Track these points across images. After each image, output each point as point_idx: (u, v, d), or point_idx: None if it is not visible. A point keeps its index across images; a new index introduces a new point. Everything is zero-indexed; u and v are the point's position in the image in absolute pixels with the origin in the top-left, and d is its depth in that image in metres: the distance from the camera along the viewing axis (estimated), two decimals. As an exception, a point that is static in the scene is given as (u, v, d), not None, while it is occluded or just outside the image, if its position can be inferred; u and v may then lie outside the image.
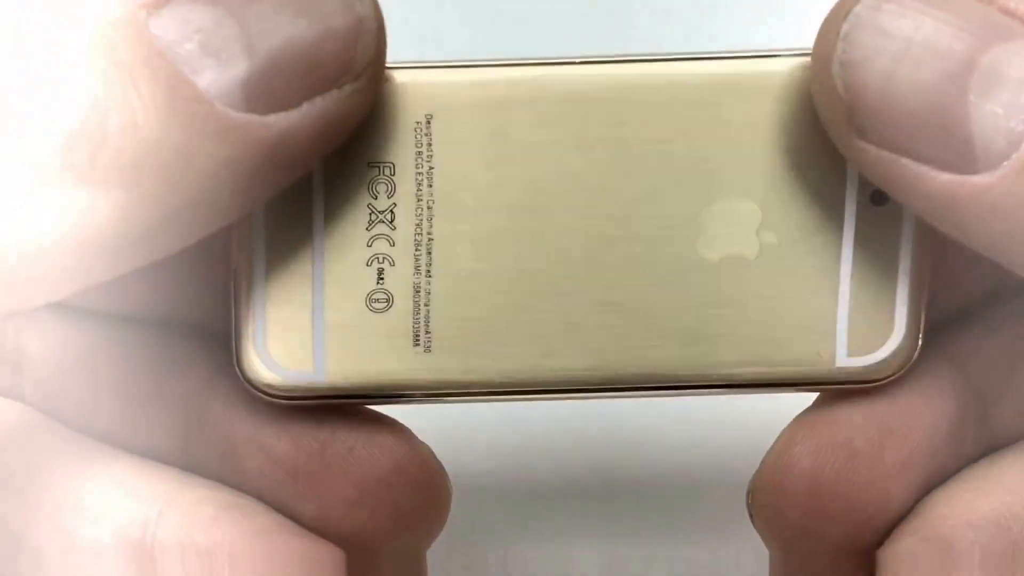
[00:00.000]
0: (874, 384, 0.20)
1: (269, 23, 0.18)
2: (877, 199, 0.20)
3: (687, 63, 0.19)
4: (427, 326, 0.20)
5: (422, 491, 0.21)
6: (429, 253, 0.20)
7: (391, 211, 0.20)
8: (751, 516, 0.22)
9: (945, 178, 0.18)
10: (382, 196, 0.20)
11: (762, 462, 0.21)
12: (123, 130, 0.17)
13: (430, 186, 0.19)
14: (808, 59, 0.19)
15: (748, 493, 0.22)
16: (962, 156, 0.17)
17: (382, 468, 0.21)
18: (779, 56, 0.20)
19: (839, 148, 0.19)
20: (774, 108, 0.19)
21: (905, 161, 0.18)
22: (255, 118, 0.18)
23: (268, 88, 0.18)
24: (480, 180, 0.19)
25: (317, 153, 0.19)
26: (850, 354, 0.20)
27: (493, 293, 0.19)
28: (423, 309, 0.20)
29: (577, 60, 0.19)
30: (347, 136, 0.19)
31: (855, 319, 0.20)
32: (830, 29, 0.18)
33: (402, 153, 0.20)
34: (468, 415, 0.30)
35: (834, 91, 0.18)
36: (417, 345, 0.20)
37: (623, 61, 0.19)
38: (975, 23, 0.18)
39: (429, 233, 0.20)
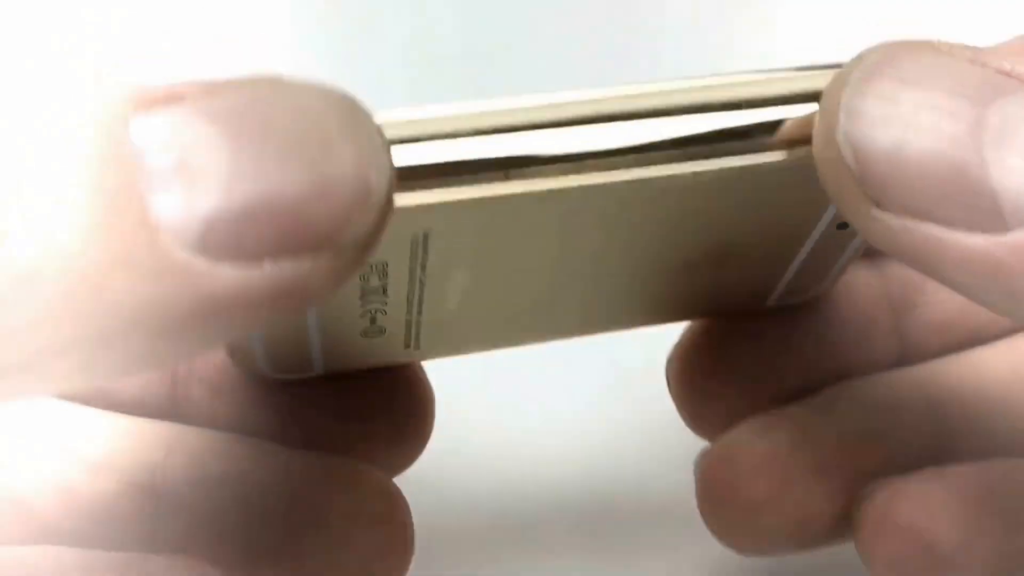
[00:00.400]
0: None
1: (266, 161, 0.15)
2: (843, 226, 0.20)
3: (681, 164, 0.18)
4: (417, 340, 0.21)
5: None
6: (420, 302, 0.20)
7: (383, 287, 0.19)
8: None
9: (978, 240, 0.17)
10: (372, 277, 0.19)
11: None
12: (34, 234, 0.14)
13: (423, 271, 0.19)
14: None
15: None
16: (990, 215, 0.17)
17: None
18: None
19: (855, 225, 0.18)
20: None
21: (930, 227, 0.17)
22: (202, 263, 0.15)
23: (232, 233, 0.15)
24: (470, 276, 0.19)
25: (262, 321, 0.16)
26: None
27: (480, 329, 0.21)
28: (413, 334, 0.21)
29: (579, 158, 0.18)
30: (305, 311, 0.17)
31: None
32: (832, 101, 0.18)
33: (397, 255, 0.19)
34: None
35: (842, 163, 0.17)
36: (408, 347, 0.21)
37: (614, 156, 0.18)
38: (976, 84, 0.17)
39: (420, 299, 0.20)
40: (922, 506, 0.23)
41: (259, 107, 0.16)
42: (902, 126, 0.17)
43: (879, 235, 0.18)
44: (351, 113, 0.16)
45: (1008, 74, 0.17)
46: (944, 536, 0.23)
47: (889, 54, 0.18)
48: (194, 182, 0.15)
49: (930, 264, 0.18)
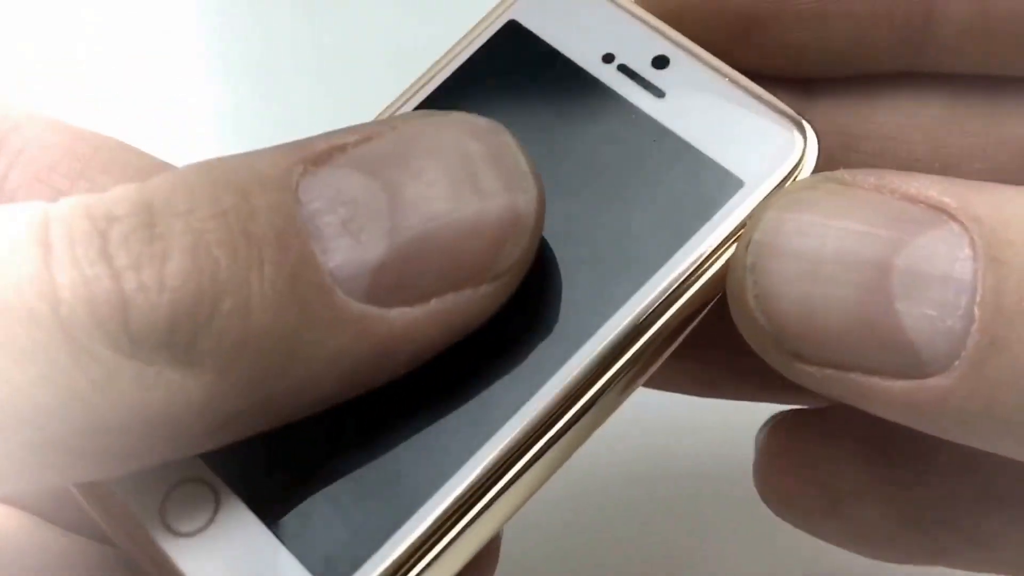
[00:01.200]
0: None
1: (421, 202, 0.16)
2: None
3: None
4: None
5: None
6: None
7: None
8: None
9: (900, 386, 0.17)
10: None
11: None
12: (233, 314, 0.15)
13: None
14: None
15: None
16: (909, 363, 0.17)
17: None
18: None
19: (783, 373, 0.18)
20: None
21: (853, 375, 0.17)
22: (374, 311, 0.16)
23: (399, 279, 0.16)
24: None
25: (435, 350, 0.17)
26: None
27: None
28: None
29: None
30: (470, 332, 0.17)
31: None
32: (737, 263, 0.18)
33: None
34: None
35: (756, 324, 0.17)
36: None
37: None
38: (879, 221, 0.17)
39: None
40: (820, 444, 0.23)
41: (409, 150, 0.17)
42: (808, 282, 0.17)
43: (806, 382, 0.18)
44: (495, 141, 0.17)
45: (915, 199, 0.17)
46: (840, 475, 0.22)
47: (788, 203, 0.17)
48: (360, 235, 0.16)
49: (861, 406, 0.18)
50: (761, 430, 0.24)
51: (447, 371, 0.18)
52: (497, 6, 0.21)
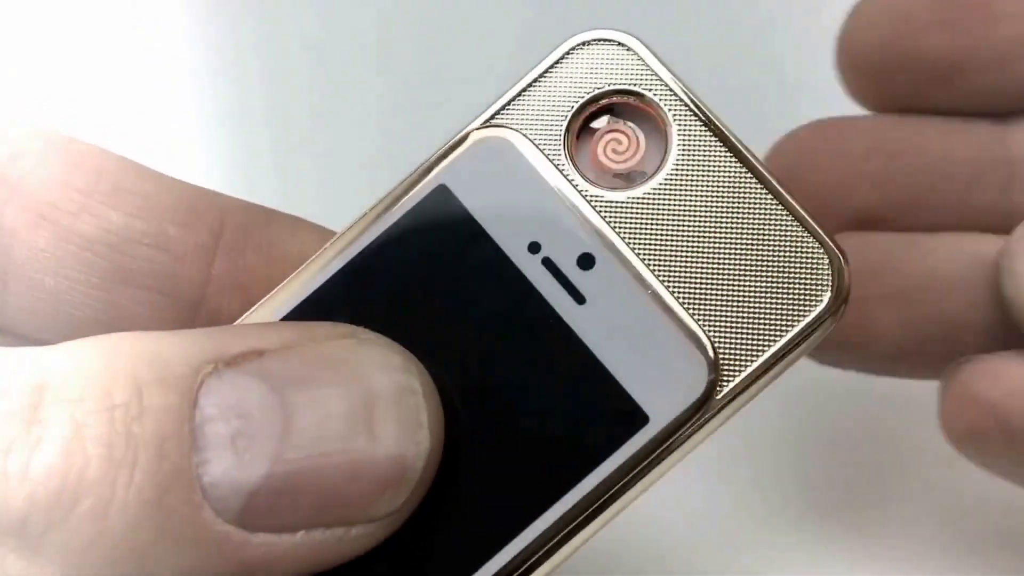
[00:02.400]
0: None
1: (312, 433, 0.16)
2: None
3: None
4: None
5: None
6: None
7: None
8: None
9: None
10: None
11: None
12: (90, 515, 0.15)
13: None
14: None
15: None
16: None
17: None
18: None
19: None
20: None
21: None
22: (238, 535, 0.16)
23: (271, 506, 0.16)
24: None
25: None
26: None
27: None
28: None
29: None
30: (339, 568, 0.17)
31: None
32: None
33: None
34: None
35: None
36: None
37: None
38: None
39: None
40: (999, 383, 0.23)
41: (318, 374, 0.17)
42: None
43: None
44: (403, 383, 0.17)
45: None
46: (1018, 412, 0.23)
47: None
48: (244, 453, 0.16)
49: None
50: (948, 369, 0.25)
51: None
52: (430, 166, 0.21)
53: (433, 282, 0.20)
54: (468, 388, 0.19)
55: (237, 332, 0.17)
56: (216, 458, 0.16)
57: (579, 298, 0.20)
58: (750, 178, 0.21)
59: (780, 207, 0.20)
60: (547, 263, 0.20)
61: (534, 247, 0.20)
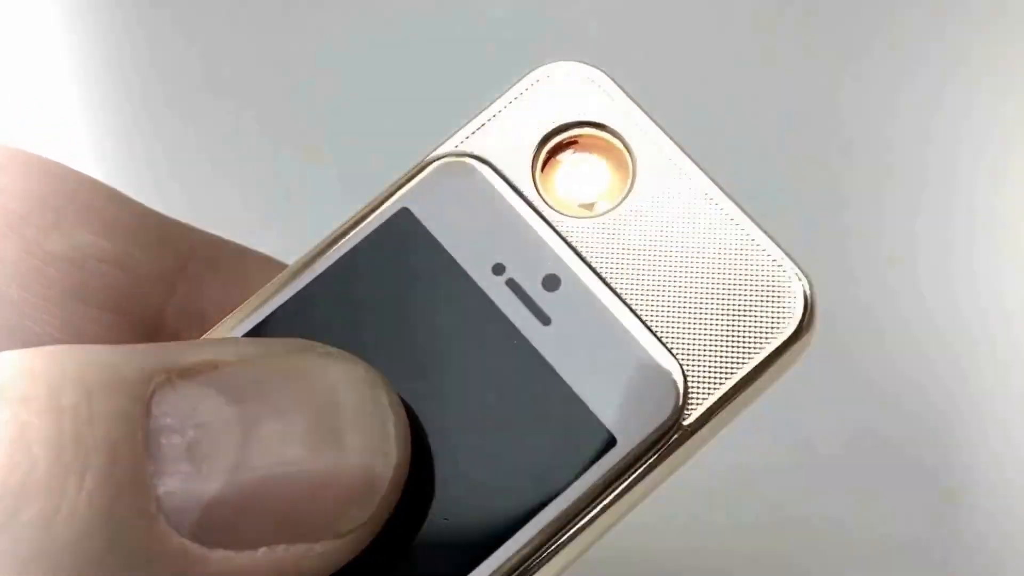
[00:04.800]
0: None
1: (273, 444, 0.15)
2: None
3: None
4: None
5: None
6: None
7: None
8: None
9: None
10: None
11: None
12: (36, 523, 0.14)
13: None
14: None
15: None
16: None
17: None
18: None
19: None
20: None
21: None
22: (195, 550, 0.15)
23: (230, 521, 0.15)
24: None
25: None
26: None
27: None
28: None
29: None
30: None
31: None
32: None
33: None
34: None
35: None
36: None
37: None
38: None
39: None
40: None
41: (279, 386, 0.16)
42: None
43: None
44: (369, 395, 0.17)
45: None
46: None
47: None
48: (201, 464, 0.15)
49: None
50: None
51: None
52: (392, 190, 0.21)
53: (395, 303, 0.20)
54: (432, 409, 0.19)
55: (191, 345, 0.16)
56: (171, 469, 0.15)
57: (544, 319, 0.20)
58: (716, 206, 0.21)
59: (745, 233, 0.20)
60: (511, 284, 0.20)
61: (498, 268, 0.20)
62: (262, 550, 0.15)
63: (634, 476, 0.19)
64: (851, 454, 0.34)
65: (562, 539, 0.19)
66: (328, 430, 0.16)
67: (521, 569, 0.18)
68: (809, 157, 0.38)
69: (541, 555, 0.18)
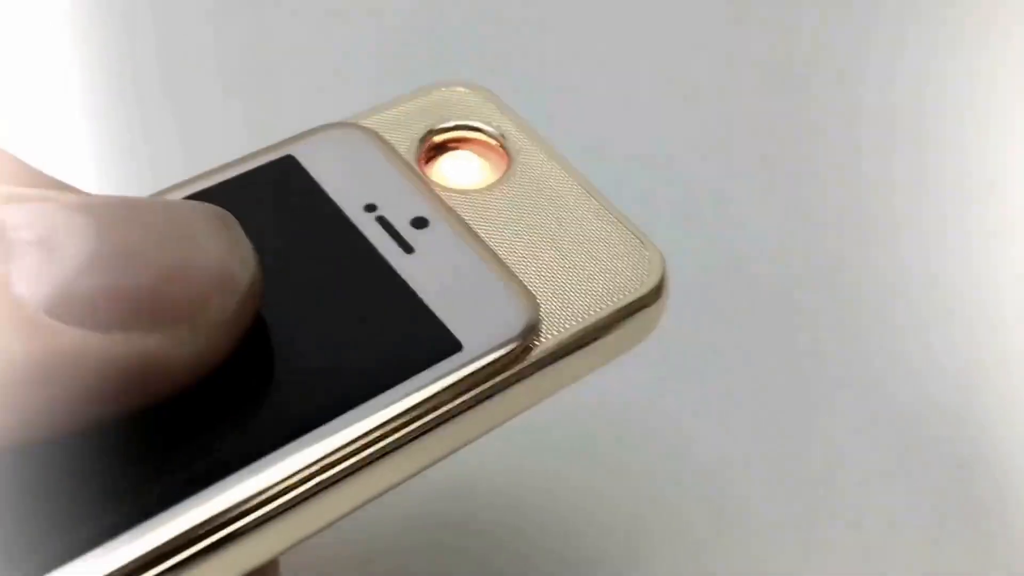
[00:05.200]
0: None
1: (131, 234, 0.16)
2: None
3: None
4: None
5: None
6: None
7: None
8: None
9: None
10: None
11: None
12: None
13: None
14: None
15: None
16: None
17: None
18: None
19: None
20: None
21: None
22: (49, 321, 0.15)
23: (84, 302, 0.15)
24: None
25: (125, 394, 0.16)
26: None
27: None
28: None
29: None
30: (173, 390, 0.17)
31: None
32: None
33: None
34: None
35: None
36: None
37: None
38: None
39: None
40: None
41: (133, 208, 0.16)
42: None
43: None
44: (221, 220, 0.17)
45: None
46: None
47: None
48: (51, 253, 0.15)
49: None
50: None
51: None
52: (280, 143, 0.22)
53: (268, 230, 0.21)
54: (290, 309, 0.20)
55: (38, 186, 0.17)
56: (21, 252, 0.15)
57: (408, 248, 0.21)
58: (586, 195, 0.23)
59: (606, 212, 0.23)
60: (381, 220, 0.21)
61: (370, 207, 0.22)
62: (119, 334, 0.15)
63: (480, 387, 0.20)
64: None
65: (407, 441, 0.19)
66: (187, 234, 0.16)
67: (368, 451, 0.19)
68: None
69: (387, 444, 0.19)
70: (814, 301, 0.36)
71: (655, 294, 0.22)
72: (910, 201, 0.39)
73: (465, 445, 0.20)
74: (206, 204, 0.18)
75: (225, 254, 0.17)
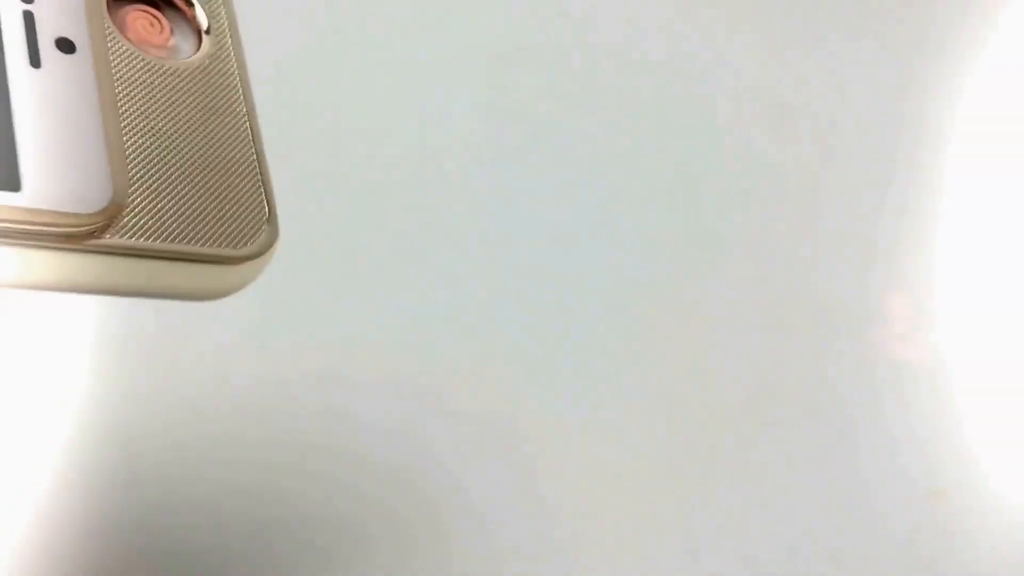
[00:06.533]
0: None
1: None
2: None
3: None
4: None
5: None
6: None
7: None
8: None
9: None
10: None
11: None
12: None
13: None
14: None
15: None
16: None
17: None
18: None
19: None
20: None
21: None
22: None
23: None
24: None
25: None
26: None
27: None
28: None
29: None
30: None
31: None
32: None
33: None
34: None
35: None
36: None
37: None
38: None
39: None
40: None
41: None
42: None
43: None
44: None
45: None
46: None
47: None
48: None
49: None
50: None
51: None
52: None
53: None
54: None
55: None
56: None
57: (36, 62, 0.19)
58: (245, 126, 0.21)
59: (255, 158, 0.21)
60: (28, 16, 0.19)
61: (27, 12, 0.19)
62: None
63: (27, 237, 0.18)
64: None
65: None
66: None
67: None
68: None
69: None
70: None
71: (245, 257, 0.20)
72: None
73: None
74: None
75: None
